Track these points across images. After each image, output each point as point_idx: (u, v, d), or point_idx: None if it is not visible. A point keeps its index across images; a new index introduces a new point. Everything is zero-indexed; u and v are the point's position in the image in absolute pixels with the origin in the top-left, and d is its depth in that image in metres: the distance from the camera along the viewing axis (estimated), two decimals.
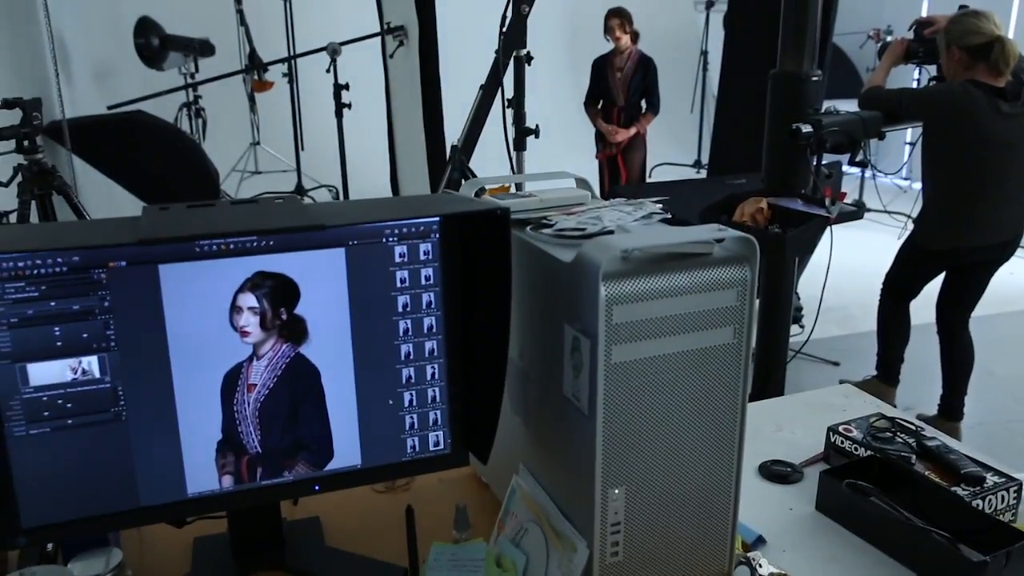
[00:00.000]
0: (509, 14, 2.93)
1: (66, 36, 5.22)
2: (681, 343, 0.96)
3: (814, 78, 2.71)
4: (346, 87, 4.43)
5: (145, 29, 5.68)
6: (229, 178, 6.84)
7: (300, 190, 7.00)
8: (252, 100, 7.22)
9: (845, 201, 6.00)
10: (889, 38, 6.38)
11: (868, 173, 6.65)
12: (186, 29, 6.10)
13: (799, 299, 4.08)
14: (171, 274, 0.96)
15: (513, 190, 3.27)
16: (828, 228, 2.74)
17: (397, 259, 1.05)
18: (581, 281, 0.92)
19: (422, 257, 1.05)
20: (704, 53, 8.16)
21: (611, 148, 5.47)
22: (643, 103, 5.47)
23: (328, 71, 4.38)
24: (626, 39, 5.37)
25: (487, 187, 2.75)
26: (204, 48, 5.97)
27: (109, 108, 5.23)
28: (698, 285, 0.95)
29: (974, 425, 3.31)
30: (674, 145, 8.18)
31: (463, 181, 3.14)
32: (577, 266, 0.93)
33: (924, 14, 7.38)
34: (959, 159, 2.81)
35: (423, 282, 1.07)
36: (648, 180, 5.87)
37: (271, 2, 6.97)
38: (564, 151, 7.02)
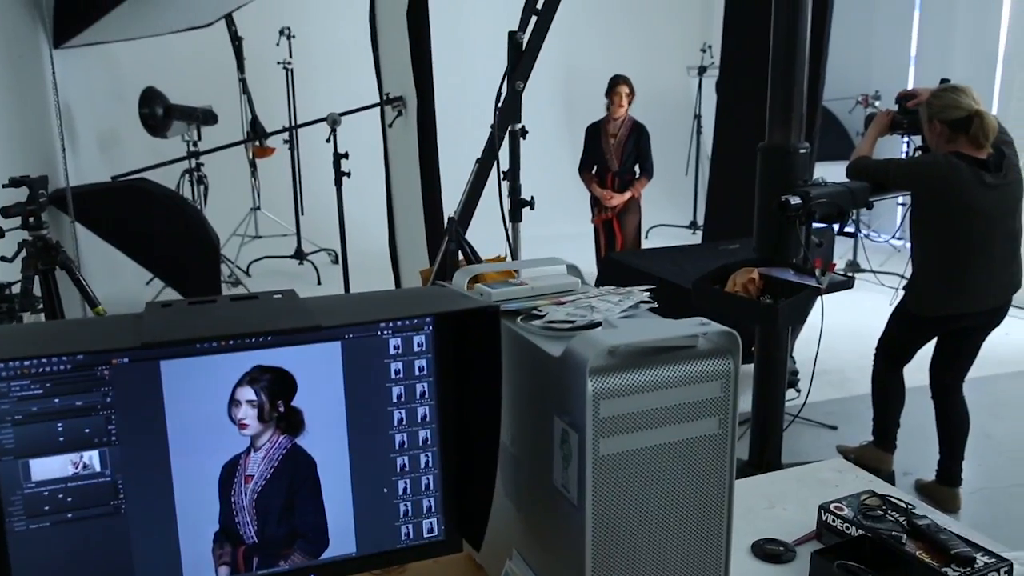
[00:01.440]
0: (504, 89, 3.01)
1: (72, 106, 5.34)
2: (668, 435, 0.99)
3: (802, 150, 2.78)
4: (345, 156, 4.51)
5: (150, 99, 5.82)
6: (230, 242, 6.92)
7: (300, 254, 7.08)
8: (253, 166, 7.36)
9: (836, 269, 6.07)
10: (877, 103, 6.54)
11: (862, 233, 6.74)
12: (190, 97, 6.25)
13: (794, 363, 4.10)
14: (172, 370, 0.98)
15: (509, 258, 3.33)
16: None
17: (391, 351, 1.08)
18: (569, 375, 0.95)
19: (416, 349, 1.09)
20: (697, 116, 8.33)
21: (607, 212, 5.55)
22: (637, 168, 5.58)
23: (328, 140, 4.47)
24: (626, 107, 5.51)
25: (483, 259, 2.80)
26: (207, 117, 6.10)
27: (113, 178, 5.32)
28: (683, 378, 0.98)
29: (974, 491, 3.30)
30: (669, 206, 8.30)
31: (459, 254, 3.20)
32: (565, 360, 0.96)
33: (910, 82, 7.56)
34: (946, 228, 2.87)
35: (417, 373, 1.10)
36: (644, 240, 5.94)
37: (273, 70, 7.15)
38: (560, 216, 7.13)
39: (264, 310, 1.00)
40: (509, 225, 3.10)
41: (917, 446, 3.60)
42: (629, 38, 9.15)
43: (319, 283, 6.68)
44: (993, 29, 6.76)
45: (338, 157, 4.48)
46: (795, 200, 2.58)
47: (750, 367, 3.10)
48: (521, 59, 2.99)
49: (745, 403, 3.90)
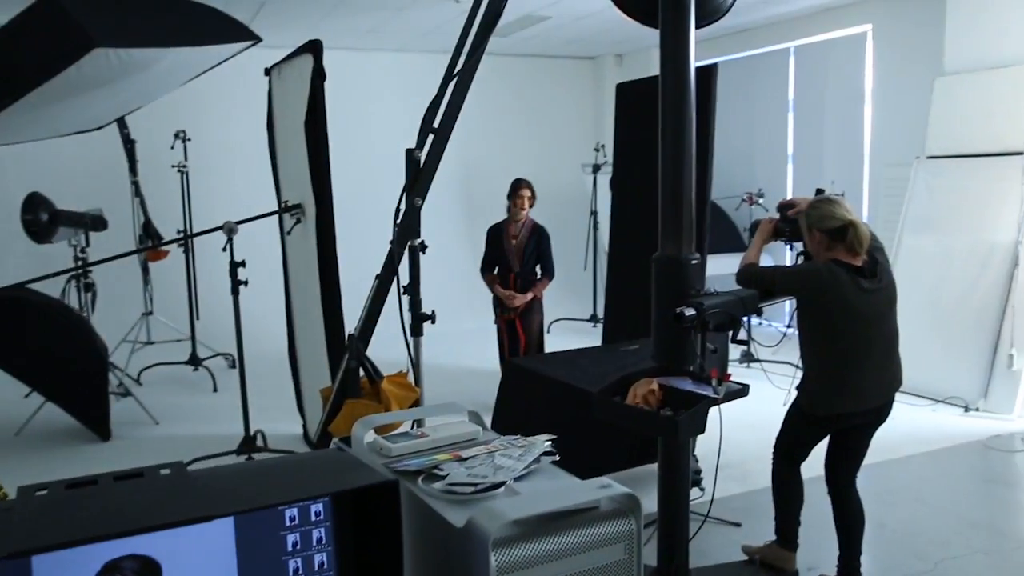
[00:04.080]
0: (403, 205, 3.04)
1: None
2: None
3: (693, 261, 2.88)
4: (242, 264, 4.43)
5: (34, 205, 5.60)
6: (119, 349, 6.64)
7: (195, 360, 6.83)
8: (145, 270, 7.13)
9: (731, 359, 6.22)
10: (761, 200, 6.90)
11: (756, 321, 6.99)
12: (79, 201, 6.06)
13: (697, 461, 4.16)
14: (43, 563, 0.92)
15: (410, 377, 3.31)
16: None
17: (288, 523, 1.03)
18: (472, 549, 0.94)
19: (313, 519, 1.05)
20: (594, 213, 8.59)
21: (509, 313, 5.60)
22: (538, 269, 5.68)
23: (224, 249, 4.38)
24: (528, 209, 5.64)
25: (384, 374, 2.75)
26: (96, 222, 5.91)
27: None
28: (587, 543, 0.97)
29: None
30: (570, 301, 8.45)
31: (360, 371, 3.15)
32: (468, 533, 0.94)
33: (789, 179, 8.04)
34: (829, 331, 3.01)
35: (315, 544, 1.05)
36: (547, 334, 5.99)
37: (168, 173, 7.02)
38: (464, 313, 7.16)
39: (150, 489, 0.95)
40: (411, 340, 3.08)
41: (820, 540, 3.67)
42: (525, 138, 9.46)
43: (215, 390, 6.44)
44: (857, 130, 7.29)
45: (235, 266, 4.39)
46: (689, 311, 2.66)
47: (655, 467, 3.13)
48: (419, 176, 3.03)
49: (650, 502, 3.92)
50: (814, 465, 3.35)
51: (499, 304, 5.67)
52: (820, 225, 3.04)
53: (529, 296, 5.58)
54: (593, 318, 8.41)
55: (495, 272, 5.72)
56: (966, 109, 5.95)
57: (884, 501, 4.19)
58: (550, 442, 1.19)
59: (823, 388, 3.08)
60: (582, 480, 1.05)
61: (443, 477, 1.10)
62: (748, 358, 6.48)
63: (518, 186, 5.66)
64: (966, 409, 5.46)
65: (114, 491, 0.94)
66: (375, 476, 0.99)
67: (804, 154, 7.95)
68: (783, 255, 7.67)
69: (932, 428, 5.21)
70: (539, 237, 5.67)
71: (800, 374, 3.20)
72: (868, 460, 4.66)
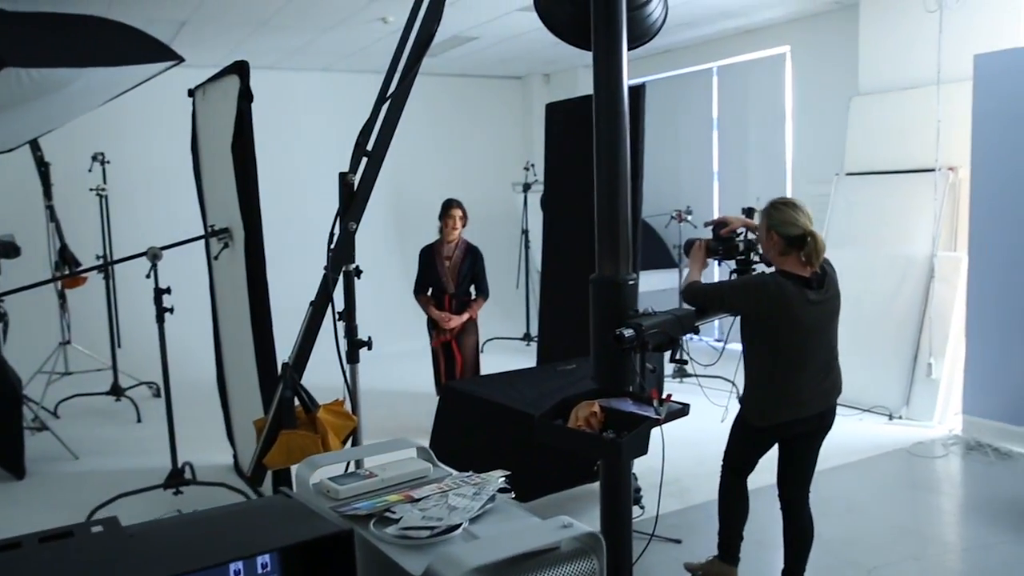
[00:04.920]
0: (337, 230, 2.98)
1: None
2: None
3: (631, 281, 2.89)
4: (167, 291, 4.28)
5: None
6: (35, 381, 6.33)
7: (117, 390, 6.57)
8: (62, 297, 6.84)
9: (666, 375, 6.27)
10: (689, 217, 7.02)
11: (689, 337, 7.09)
12: None
13: (636, 479, 4.17)
14: None
15: (347, 405, 3.23)
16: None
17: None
18: None
19: (260, 573, 0.99)
20: (525, 231, 8.62)
21: (445, 334, 5.55)
22: (472, 289, 5.65)
23: (148, 276, 4.23)
24: (460, 229, 5.60)
25: (320, 404, 2.68)
26: (7, 249, 5.65)
27: None
28: None
29: None
30: (503, 320, 8.45)
31: (295, 400, 3.06)
32: None
33: (715, 196, 8.21)
34: (774, 342, 3.05)
35: None
36: (481, 354, 5.95)
37: (86, 197, 6.76)
38: (398, 335, 7.07)
39: (82, 558, 0.88)
40: (347, 367, 3.01)
41: (761, 554, 3.73)
42: (455, 157, 9.45)
43: (139, 420, 6.21)
44: (780, 148, 7.51)
45: (160, 293, 4.24)
46: (628, 332, 2.67)
47: (595, 486, 3.13)
48: (353, 200, 2.98)
49: (592, 521, 3.93)
50: (763, 475, 3.38)
51: (434, 326, 5.61)
52: (781, 229, 3.05)
53: (465, 317, 5.54)
54: (526, 336, 8.42)
55: (429, 294, 5.66)
56: (881, 128, 6.19)
57: (818, 511, 4.24)
58: (504, 478, 1.16)
59: (765, 398, 3.12)
60: (541, 520, 1.02)
61: (396, 520, 1.05)
62: (682, 373, 6.57)
63: (449, 207, 5.63)
64: (890, 417, 5.63)
65: (41, 556, 0.87)
66: (326, 526, 0.95)
67: (729, 171, 8.14)
68: (712, 274, 7.83)
69: (859, 437, 5.35)
70: (473, 257, 5.64)
71: (742, 386, 3.24)
72: None
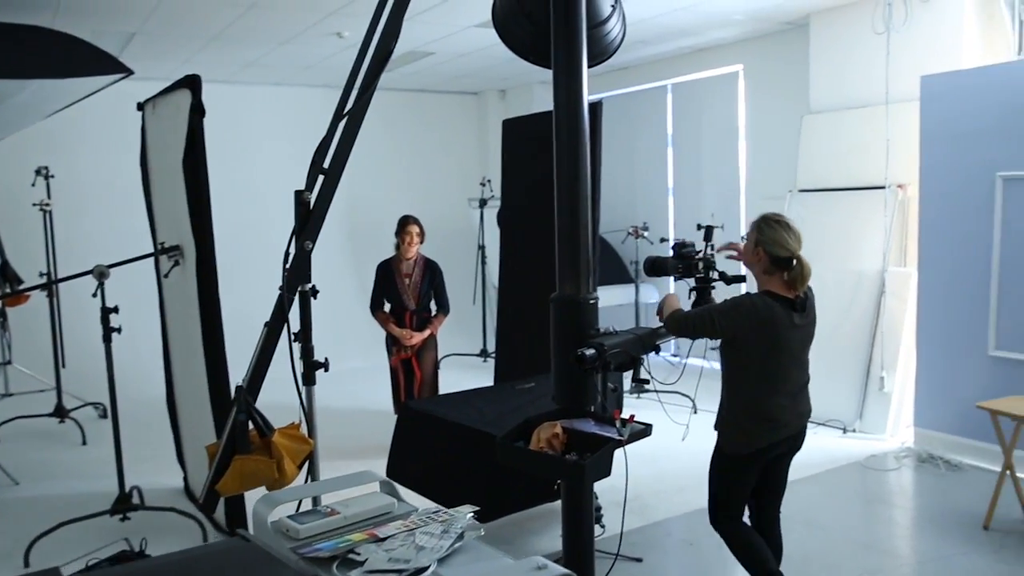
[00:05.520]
0: (292, 249, 2.91)
1: None
2: None
3: (592, 301, 2.88)
4: (115, 310, 4.15)
5: None
6: None
7: (61, 412, 6.36)
8: (3, 316, 6.62)
9: (625, 391, 6.28)
10: (646, 233, 7.05)
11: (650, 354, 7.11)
12: None
13: (596, 498, 4.15)
14: None
15: (303, 428, 3.15)
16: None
17: None
18: None
19: None
20: (481, 247, 8.59)
21: (405, 351, 5.48)
22: (432, 305, 5.60)
23: (95, 295, 4.09)
24: (417, 246, 5.54)
25: (275, 427, 2.59)
26: None
27: None
28: None
29: None
30: (460, 335, 8.39)
31: (249, 424, 2.98)
32: None
33: (670, 212, 8.27)
34: (756, 366, 3.00)
35: None
36: (438, 371, 5.89)
37: (29, 212, 6.56)
38: (353, 351, 6.98)
39: None
40: (303, 390, 2.94)
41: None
42: (411, 172, 9.39)
43: (84, 443, 6.01)
44: (733, 165, 7.61)
45: (107, 312, 4.11)
46: (590, 352, 2.65)
47: (557, 505, 3.09)
48: (309, 219, 2.92)
49: (553, 540, 3.88)
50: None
51: (394, 343, 5.54)
52: (770, 248, 2.98)
53: (426, 333, 5.49)
54: (483, 353, 8.37)
55: (387, 310, 5.59)
56: (832, 146, 6.30)
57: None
58: (472, 514, 1.12)
59: (746, 423, 3.04)
60: (513, 561, 0.98)
61: (361, 563, 1.01)
62: (640, 389, 6.58)
63: (406, 223, 5.57)
64: (844, 431, 5.71)
65: None
66: (287, 574, 0.90)
67: (684, 187, 8.22)
68: (667, 286, 7.89)
69: (815, 451, 5.39)
70: (432, 273, 5.60)
71: (714, 414, 3.16)
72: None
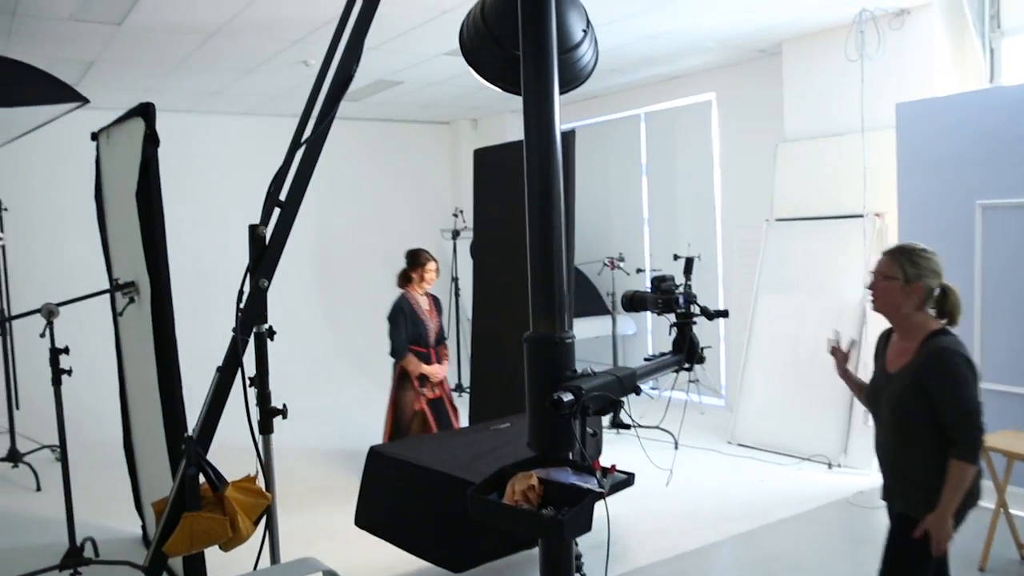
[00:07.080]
0: (247, 288, 2.72)
1: None
2: None
3: (568, 340, 2.71)
4: (65, 351, 3.92)
5: None
6: None
7: (14, 456, 6.06)
8: None
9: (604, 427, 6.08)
10: (622, 264, 6.92)
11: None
12: None
13: (577, 545, 3.95)
14: None
15: (261, 478, 2.93)
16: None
17: None
18: None
19: None
20: (455, 279, 8.41)
21: (435, 389, 5.31)
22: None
23: (43, 335, 3.87)
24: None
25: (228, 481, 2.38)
26: None
27: None
28: None
29: None
30: None
31: (200, 477, 2.76)
32: None
33: (646, 242, 8.15)
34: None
35: None
36: None
37: None
38: (323, 390, 6.74)
39: None
40: (259, 439, 2.73)
41: None
42: (382, 203, 9.21)
43: (38, 488, 5.72)
44: (708, 194, 7.52)
45: (56, 353, 3.89)
46: (567, 397, 2.47)
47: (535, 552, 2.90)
48: (264, 255, 2.73)
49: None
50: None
51: (423, 384, 5.30)
52: (932, 280, 2.68)
53: (447, 364, 5.44)
54: (459, 388, 8.16)
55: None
56: (808, 174, 6.22)
57: (764, 571, 4.12)
58: None
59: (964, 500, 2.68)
60: None
61: None
62: (619, 425, 6.39)
63: (428, 258, 5.42)
64: (829, 466, 5.55)
65: None
66: None
67: (659, 217, 8.12)
68: (645, 324, 7.75)
69: (800, 487, 5.25)
70: (438, 304, 5.58)
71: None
72: (742, 527, 4.61)
